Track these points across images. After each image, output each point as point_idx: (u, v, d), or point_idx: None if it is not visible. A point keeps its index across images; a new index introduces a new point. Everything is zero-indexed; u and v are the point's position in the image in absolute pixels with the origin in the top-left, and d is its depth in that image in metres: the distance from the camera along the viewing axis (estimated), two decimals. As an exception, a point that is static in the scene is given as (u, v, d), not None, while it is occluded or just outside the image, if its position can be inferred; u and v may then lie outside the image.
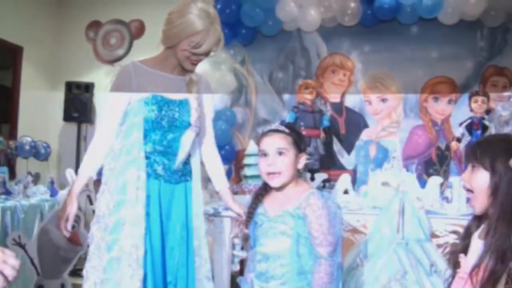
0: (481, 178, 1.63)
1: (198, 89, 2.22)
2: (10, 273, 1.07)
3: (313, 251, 1.81)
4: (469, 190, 1.70)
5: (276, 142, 1.86)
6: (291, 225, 1.82)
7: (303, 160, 1.91)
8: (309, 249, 1.82)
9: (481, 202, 1.65)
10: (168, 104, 2.15)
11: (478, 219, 1.74)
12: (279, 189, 1.90)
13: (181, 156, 2.17)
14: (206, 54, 2.15)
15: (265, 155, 1.87)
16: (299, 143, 1.90)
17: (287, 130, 1.89)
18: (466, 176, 1.70)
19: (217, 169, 2.36)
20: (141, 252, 2.02)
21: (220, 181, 2.35)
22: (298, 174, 1.94)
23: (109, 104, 2.20)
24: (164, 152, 2.16)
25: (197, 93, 2.21)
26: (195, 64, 2.19)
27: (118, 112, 2.16)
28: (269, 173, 1.87)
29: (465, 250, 1.76)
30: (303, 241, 1.81)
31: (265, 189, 1.96)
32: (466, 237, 1.77)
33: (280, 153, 1.85)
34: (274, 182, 1.87)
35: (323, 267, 1.79)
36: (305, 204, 1.82)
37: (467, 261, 1.69)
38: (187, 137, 2.17)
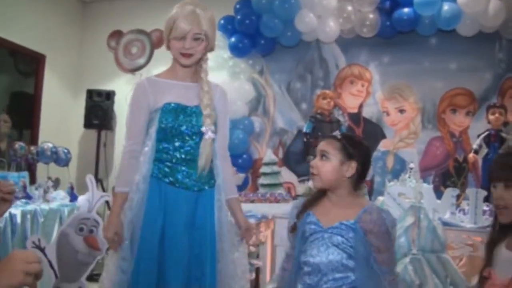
0: None
1: (211, 97, 2.22)
2: (34, 269, 1.11)
3: (376, 266, 1.77)
4: (503, 207, 1.74)
5: (322, 146, 1.89)
6: (348, 238, 1.78)
7: (351, 168, 1.85)
8: (359, 263, 1.77)
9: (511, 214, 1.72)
10: (184, 111, 2.17)
11: (503, 230, 1.77)
12: (332, 199, 1.88)
13: (201, 163, 2.15)
14: (192, 39, 2.16)
15: (314, 157, 1.93)
16: (349, 150, 1.85)
17: (338, 136, 1.89)
18: (499, 194, 1.74)
19: (226, 179, 2.28)
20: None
21: (229, 191, 2.29)
22: (350, 184, 1.88)
23: (129, 118, 2.23)
24: (185, 160, 2.15)
25: (209, 101, 2.20)
26: (187, 57, 2.18)
27: (140, 123, 2.20)
28: (312, 174, 1.90)
29: (489, 261, 1.78)
30: (356, 255, 1.77)
31: (314, 198, 1.93)
32: (491, 248, 1.79)
33: (322, 156, 1.87)
34: (313, 183, 1.91)
35: (394, 282, 1.80)
36: (368, 219, 1.78)
37: (495, 272, 1.71)
38: (204, 144, 2.16)
